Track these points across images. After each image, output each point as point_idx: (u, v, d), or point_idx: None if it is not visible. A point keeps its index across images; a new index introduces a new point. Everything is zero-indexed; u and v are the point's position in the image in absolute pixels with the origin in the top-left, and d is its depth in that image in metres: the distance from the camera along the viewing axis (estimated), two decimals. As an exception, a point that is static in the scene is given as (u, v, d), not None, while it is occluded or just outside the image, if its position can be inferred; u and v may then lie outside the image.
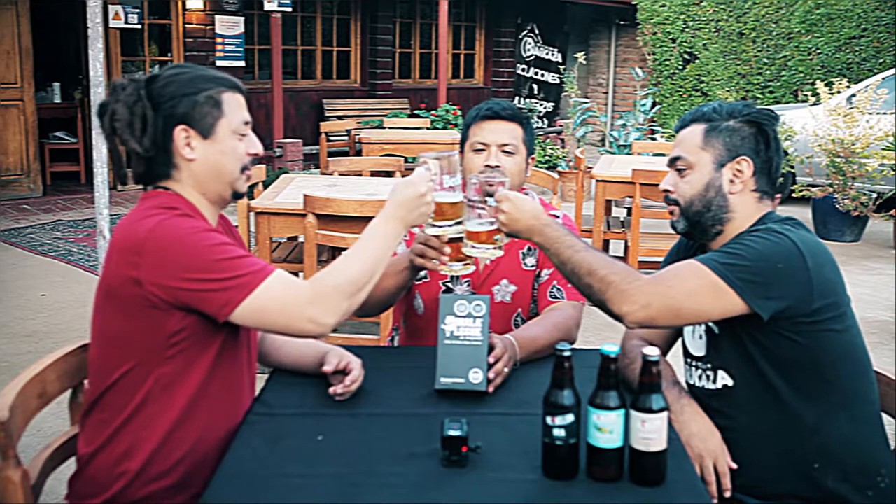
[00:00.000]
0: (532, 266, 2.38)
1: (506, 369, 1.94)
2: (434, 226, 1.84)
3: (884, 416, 1.93)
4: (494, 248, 1.90)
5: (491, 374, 1.89)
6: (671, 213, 1.99)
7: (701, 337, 1.95)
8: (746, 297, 1.74)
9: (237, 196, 1.83)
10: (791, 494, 1.83)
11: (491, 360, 1.90)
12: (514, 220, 1.85)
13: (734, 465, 1.82)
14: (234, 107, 1.78)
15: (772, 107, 9.89)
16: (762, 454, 1.84)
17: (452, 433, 1.55)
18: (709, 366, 1.92)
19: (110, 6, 8.41)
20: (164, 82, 1.73)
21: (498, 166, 2.27)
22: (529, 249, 2.38)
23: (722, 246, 1.85)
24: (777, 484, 1.84)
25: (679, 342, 2.10)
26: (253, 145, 1.81)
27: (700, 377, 1.95)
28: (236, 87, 1.79)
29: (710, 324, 1.90)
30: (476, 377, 1.86)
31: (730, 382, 1.87)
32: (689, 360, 2.01)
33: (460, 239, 1.93)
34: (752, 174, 1.90)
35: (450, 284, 2.36)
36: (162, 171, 1.76)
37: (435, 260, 1.98)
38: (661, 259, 2.60)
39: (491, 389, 1.89)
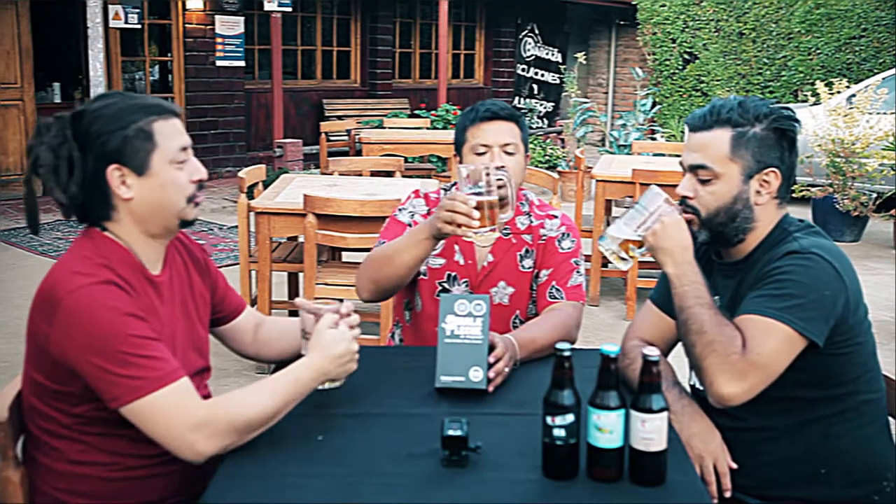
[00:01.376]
0: (529, 267, 2.37)
1: (506, 369, 1.94)
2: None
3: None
4: (621, 259, 1.89)
5: (491, 374, 1.89)
6: (689, 221, 1.91)
7: None
8: (810, 334, 1.71)
9: (185, 224, 1.73)
10: (795, 497, 1.82)
11: (491, 359, 1.90)
12: (662, 237, 1.81)
13: (734, 466, 1.81)
14: (169, 135, 1.66)
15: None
16: (769, 456, 1.83)
17: (452, 433, 1.55)
18: None
19: (110, 6, 8.41)
20: (91, 118, 1.62)
21: (503, 166, 2.27)
22: (527, 251, 2.37)
23: (766, 285, 1.77)
24: (781, 486, 1.83)
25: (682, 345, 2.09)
26: (196, 171, 1.70)
27: None
28: (169, 112, 1.67)
29: None
30: (476, 375, 1.86)
31: None
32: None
33: (488, 206, 1.95)
34: (779, 184, 1.86)
35: (446, 285, 2.36)
36: (100, 214, 1.66)
37: (464, 226, 1.94)
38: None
39: (491, 389, 1.89)
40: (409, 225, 2.35)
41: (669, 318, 2.05)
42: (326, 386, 1.76)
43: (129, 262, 1.67)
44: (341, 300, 2.09)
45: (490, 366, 1.89)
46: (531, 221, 2.40)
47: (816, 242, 1.80)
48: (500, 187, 2.07)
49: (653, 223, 1.84)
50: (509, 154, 2.30)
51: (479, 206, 1.94)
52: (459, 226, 1.94)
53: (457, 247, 2.37)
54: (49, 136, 1.61)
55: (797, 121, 1.87)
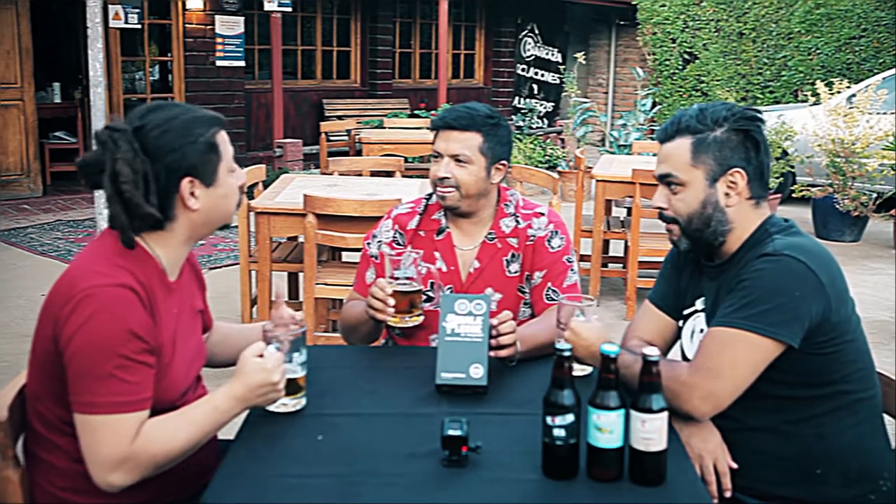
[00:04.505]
0: (516, 272, 2.36)
1: (510, 335, 1.97)
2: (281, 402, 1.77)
3: (885, 416, 1.93)
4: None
5: (494, 321, 1.93)
6: (669, 231, 1.96)
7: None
8: (781, 337, 1.73)
9: (223, 228, 1.79)
10: (792, 497, 1.83)
11: (495, 322, 1.95)
12: (576, 347, 1.84)
13: (734, 465, 1.82)
14: (226, 145, 1.73)
15: (772, 107, 9.89)
16: (765, 456, 1.83)
17: (452, 433, 1.55)
18: None
19: (110, 6, 8.41)
20: (158, 132, 1.63)
21: (448, 177, 2.29)
22: (513, 255, 2.36)
23: (736, 293, 1.79)
24: (778, 486, 1.83)
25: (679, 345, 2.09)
26: (241, 177, 1.78)
27: None
28: (223, 123, 1.74)
29: None
30: (477, 372, 1.87)
31: None
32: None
33: (406, 293, 2.06)
34: (747, 184, 1.88)
35: (430, 293, 2.33)
36: (157, 225, 1.67)
37: (382, 314, 2.08)
38: (660, 259, 2.59)
39: (494, 342, 1.93)
40: (375, 257, 2.40)
41: (668, 318, 2.07)
42: (280, 409, 1.76)
43: (151, 266, 1.68)
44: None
45: (490, 350, 1.91)
46: (517, 223, 2.38)
47: (791, 243, 1.81)
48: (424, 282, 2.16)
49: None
50: (460, 163, 2.30)
51: (396, 295, 2.06)
52: (380, 312, 2.07)
53: (437, 253, 2.36)
54: (121, 151, 1.59)
55: (761, 121, 1.89)
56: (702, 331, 1.94)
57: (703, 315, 1.96)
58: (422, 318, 2.13)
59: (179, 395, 1.73)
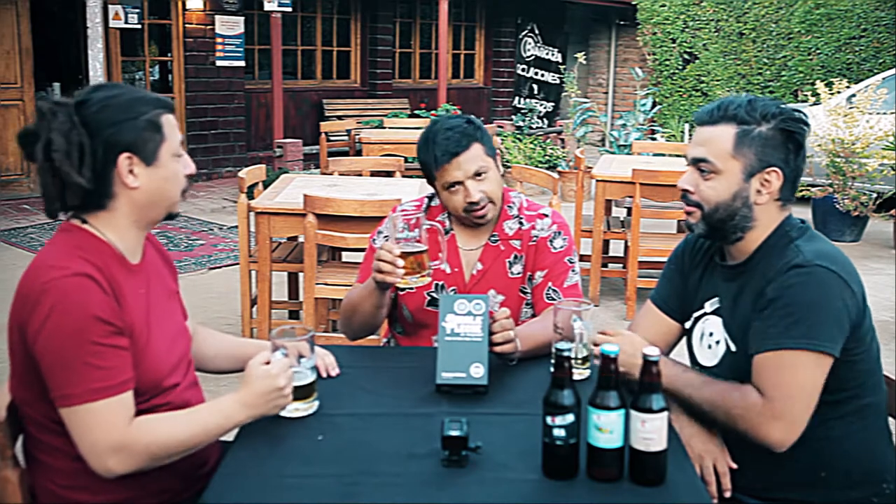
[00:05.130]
0: (519, 273, 2.36)
1: (508, 331, 1.96)
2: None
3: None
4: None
5: (494, 325, 1.93)
6: (689, 213, 1.91)
7: (710, 347, 1.92)
8: (832, 350, 1.72)
9: (170, 217, 1.77)
10: (794, 499, 1.82)
11: (492, 322, 1.94)
12: (624, 359, 1.75)
13: (734, 465, 1.81)
14: (173, 128, 1.72)
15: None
16: (768, 458, 1.82)
17: (452, 433, 1.55)
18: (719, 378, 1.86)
19: (110, 6, 8.41)
20: (98, 107, 1.64)
21: (482, 196, 2.26)
22: (515, 257, 2.36)
23: (777, 310, 1.74)
24: (780, 488, 1.83)
25: (683, 343, 2.08)
26: (188, 165, 1.76)
27: None
28: (170, 108, 1.74)
29: (726, 339, 1.87)
30: (477, 371, 1.87)
31: None
32: (696, 368, 1.96)
33: (413, 253, 2.03)
34: (780, 185, 1.84)
35: (434, 294, 2.33)
36: (97, 203, 1.67)
37: (391, 276, 2.04)
38: (660, 259, 2.59)
39: (492, 331, 1.93)
40: None
41: (669, 319, 2.06)
42: (293, 414, 1.77)
43: (108, 252, 1.68)
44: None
45: (490, 345, 1.91)
46: (521, 225, 2.37)
47: (819, 252, 1.78)
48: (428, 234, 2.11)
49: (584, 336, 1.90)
50: (481, 176, 2.27)
51: (404, 256, 2.02)
52: (388, 273, 2.03)
53: (441, 255, 2.36)
54: (57, 122, 1.60)
55: (806, 124, 1.85)
56: (711, 334, 1.92)
57: (713, 317, 1.93)
58: (429, 278, 2.10)
59: (166, 374, 1.72)
